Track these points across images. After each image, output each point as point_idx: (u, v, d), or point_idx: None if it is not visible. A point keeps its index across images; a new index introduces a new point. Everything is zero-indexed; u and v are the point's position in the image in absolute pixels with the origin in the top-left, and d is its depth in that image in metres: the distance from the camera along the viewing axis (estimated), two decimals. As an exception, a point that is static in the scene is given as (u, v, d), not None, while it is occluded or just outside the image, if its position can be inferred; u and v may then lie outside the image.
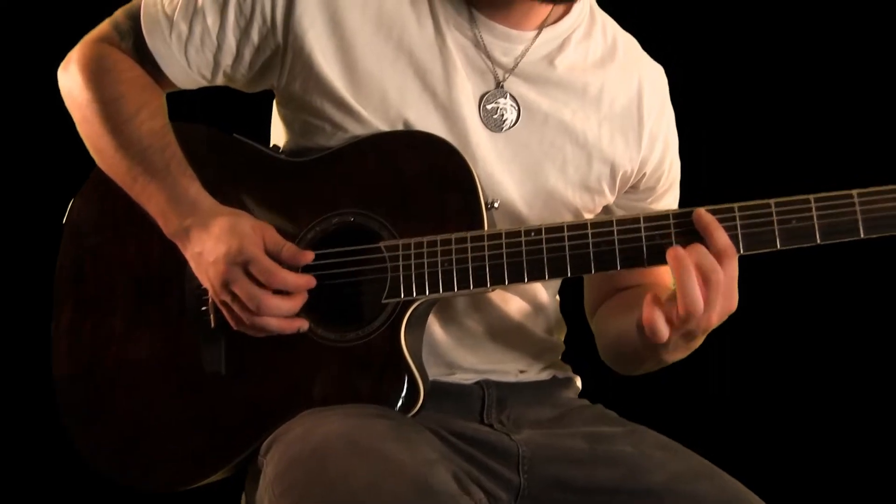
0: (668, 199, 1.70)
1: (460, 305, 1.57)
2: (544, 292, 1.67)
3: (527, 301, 1.64)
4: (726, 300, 1.32)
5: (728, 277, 1.32)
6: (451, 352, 1.58)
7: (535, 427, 1.56)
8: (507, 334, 1.62)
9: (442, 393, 1.54)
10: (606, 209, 1.66)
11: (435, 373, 1.55)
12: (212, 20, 1.52)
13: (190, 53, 1.55)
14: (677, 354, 1.44)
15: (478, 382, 1.59)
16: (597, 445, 1.50)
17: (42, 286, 1.65)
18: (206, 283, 1.46)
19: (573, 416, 1.61)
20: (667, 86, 1.68)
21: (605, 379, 1.76)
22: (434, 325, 1.55)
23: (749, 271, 1.38)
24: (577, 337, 1.78)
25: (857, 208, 1.32)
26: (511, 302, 1.62)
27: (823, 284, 2.39)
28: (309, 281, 1.45)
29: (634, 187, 1.65)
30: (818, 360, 2.47)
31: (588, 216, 1.63)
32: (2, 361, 2.49)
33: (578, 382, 1.74)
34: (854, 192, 1.32)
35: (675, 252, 1.32)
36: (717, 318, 1.33)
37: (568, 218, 1.59)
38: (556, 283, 1.71)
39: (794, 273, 2.23)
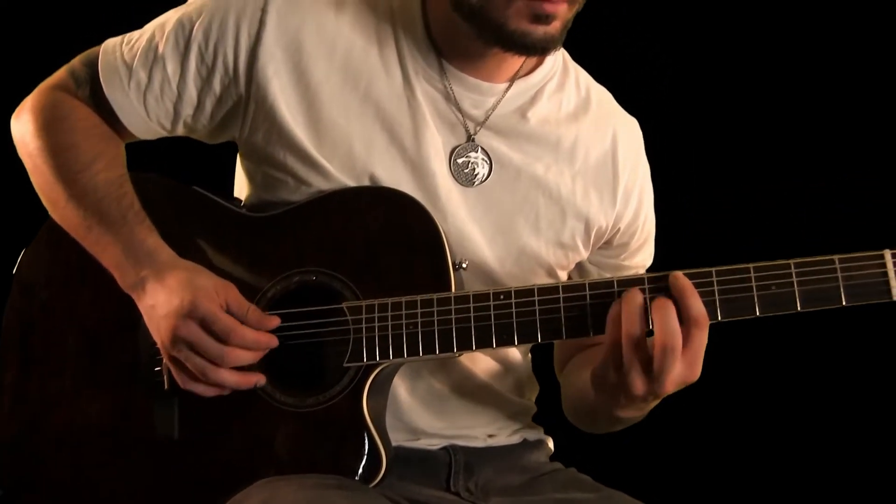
0: (643, 254, 1.65)
1: (426, 367, 1.50)
2: (515, 351, 1.62)
3: (496, 361, 1.59)
4: (688, 369, 1.27)
5: (695, 346, 1.26)
6: (417, 416, 1.51)
7: (503, 494, 1.50)
8: (475, 396, 1.56)
9: (406, 459, 1.47)
10: (579, 265, 1.61)
11: (399, 438, 1.49)
12: (172, 69, 1.47)
13: (149, 103, 1.49)
14: (629, 412, 1.38)
15: (444, 448, 1.52)
16: None
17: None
18: (157, 338, 1.39)
19: (544, 482, 1.55)
20: (642, 139, 1.64)
21: (579, 439, 1.70)
22: (399, 388, 1.49)
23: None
24: (550, 396, 1.72)
25: (839, 275, 1.27)
26: (479, 362, 1.56)
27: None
28: (270, 339, 1.38)
29: (608, 243, 1.60)
30: (790, 424, 2.44)
31: (561, 273, 1.58)
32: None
33: (550, 444, 1.68)
34: (835, 257, 1.27)
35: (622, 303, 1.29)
36: (672, 386, 1.27)
37: (541, 275, 1.54)
38: (528, 342, 1.65)
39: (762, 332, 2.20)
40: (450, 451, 1.52)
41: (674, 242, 1.75)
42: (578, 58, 1.62)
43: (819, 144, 2.36)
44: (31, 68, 1.63)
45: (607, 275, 1.59)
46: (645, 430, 1.57)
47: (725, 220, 2.39)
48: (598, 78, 1.65)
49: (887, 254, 1.27)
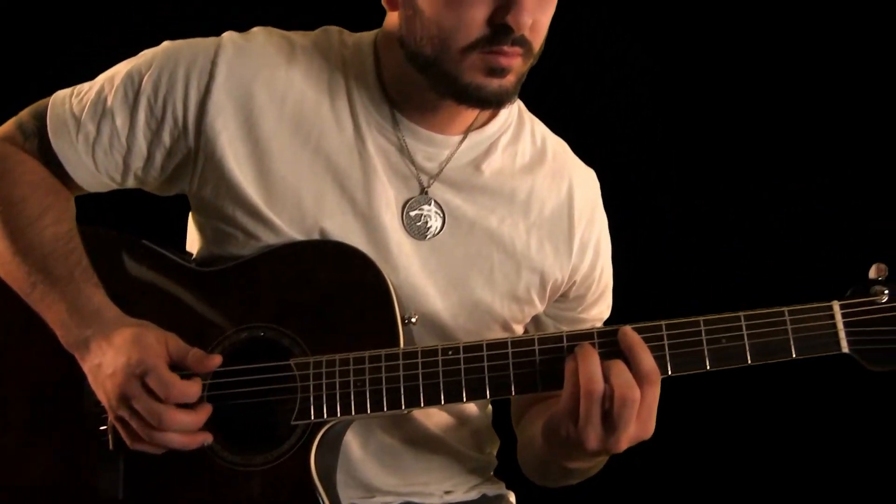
0: (600, 307, 1.63)
1: (379, 422, 1.48)
2: (471, 405, 1.59)
3: (451, 415, 1.56)
4: (641, 426, 1.26)
5: (647, 402, 1.25)
6: (370, 472, 1.49)
7: (462, 552, 1.47)
8: (429, 451, 1.54)
9: (360, 518, 1.45)
10: (536, 319, 1.59)
11: (352, 496, 1.47)
12: (121, 121, 1.45)
13: (98, 156, 1.47)
14: (580, 464, 1.36)
15: (400, 505, 1.49)
16: None
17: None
18: (102, 398, 1.37)
19: (504, 538, 1.53)
20: (598, 190, 1.63)
21: (543, 493, 1.67)
22: (351, 444, 1.46)
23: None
24: (513, 449, 1.69)
25: (789, 327, 1.26)
26: (433, 416, 1.54)
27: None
28: (206, 410, 1.36)
29: (564, 296, 1.58)
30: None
31: (517, 327, 1.56)
32: None
33: (512, 498, 1.66)
34: (785, 309, 1.26)
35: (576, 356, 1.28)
36: (627, 442, 1.26)
37: (496, 329, 1.52)
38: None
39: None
40: (405, 509, 1.49)
41: (654, 244, 1.74)
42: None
43: (798, 146, 2.36)
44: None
45: (564, 328, 1.57)
46: (608, 485, 1.55)
47: (705, 221, 2.38)
48: (570, 86, 1.63)
49: (836, 305, 1.27)
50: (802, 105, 2.36)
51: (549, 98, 2.30)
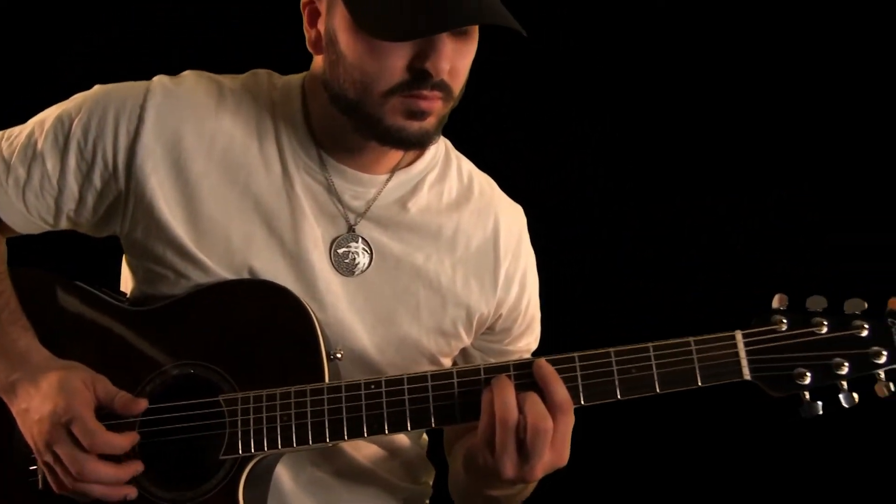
0: (527, 338, 1.68)
1: (309, 455, 1.51)
2: (402, 436, 1.63)
3: (381, 446, 1.60)
4: (556, 454, 1.30)
5: (561, 431, 1.30)
6: None
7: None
8: (362, 484, 1.57)
9: (292, 551, 1.47)
10: (464, 351, 1.63)
11: (285, 528, 1.49)
12: (52, 164, 1.48)
13: (28, 199, 1.50)
14: (499, 492, 1.41)
15: (332, 537, 1.52)
16: None
17: None
18: (30, 442, 1.39)
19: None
20: (524, 225, 1.67)
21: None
22: (283, 476, 1.49)
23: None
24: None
25: (695, 356, 1.31)
26: (363, 448, 1.57)
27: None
28: (133, 439, 1.39)
29: (491, 329, 1.63)
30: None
31: (445, 360, 1.60)
32: None
33: (448, 524, 1.69)
34: (691, 339, 1.32)
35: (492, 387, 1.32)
36: (542, 471, 1.31)
37: (423, 363, 1.56)
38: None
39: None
40: (337, 540, 1.52)
41: (612, 256, 1.74)
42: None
43: (755, 160, 2.39)
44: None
45: (491, 360, 1.61)
46: None
47: (663, 235, 2.41)
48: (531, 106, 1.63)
49: (738, 335, 1.32)
50: (760, 118, 2.40)
51: (508, 114, 2.32)
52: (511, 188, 1.67)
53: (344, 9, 1.38)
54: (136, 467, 1.39)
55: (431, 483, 1.72)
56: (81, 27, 1.52)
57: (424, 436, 1.72)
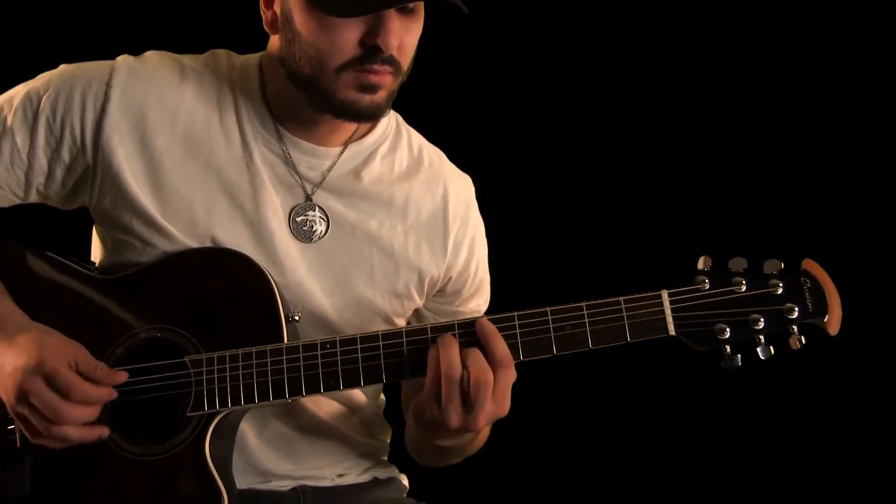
0: (477, 300, 1.78)
1: (272, 411, 1.61)
2: (359, 393, 1.73)
3: (340, 403, 1.69)
4: (497, 405, 1.41)
5: (501, 384, 1.40)
6: (266, 459, 1.61)
7: (353, 530, 1.60)
8: (321, 438, 1.67)
9: (257, 501, 1.57)
10: (417, 312, 1.73)
11: (250, 481, 1.59)
12: (21, 140, 1.56)
13: None
14: (448, 441, 1.50)
15: (294, 489, 1.63)
16: None
17: None
18: (3, 396, 1.46)
19: (395, 518, 1.65)
20: (472, 194, 1.77)
21: (435, 476, 1.79)
22: (247, 433, 1.59)
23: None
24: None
25: (624, 314, 1.42)
26: (323, 405, 1.67)
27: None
28: (110, 393, 1.47)
29: (442, 291, 1.73)
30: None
31: (399, 320, 1.70)
32: None
33: (405, 481, 1.79)
34: (621, 298, 1.42)
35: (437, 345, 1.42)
36: (485, 420, 1.41)
37: (378, 323, 1.65)
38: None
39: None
40: (299, 491, 1.63)
41: (609, 254, 1.78)
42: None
43: (754, 160, 2.44)
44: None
45: (443, 320, 1.71)
46: (500, 465, 1.66)
47: (660, 235, 2.45)
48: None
49: (664, 293, 1.43)
50: (753, 118, 2.46)
51: (506, 112, 2.35)
52: (510, 186, 1.71)
53: None
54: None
55: (389, 441, 1.82)
56: (81, 27, 1.56)
57: (382, 396, 1.81)
